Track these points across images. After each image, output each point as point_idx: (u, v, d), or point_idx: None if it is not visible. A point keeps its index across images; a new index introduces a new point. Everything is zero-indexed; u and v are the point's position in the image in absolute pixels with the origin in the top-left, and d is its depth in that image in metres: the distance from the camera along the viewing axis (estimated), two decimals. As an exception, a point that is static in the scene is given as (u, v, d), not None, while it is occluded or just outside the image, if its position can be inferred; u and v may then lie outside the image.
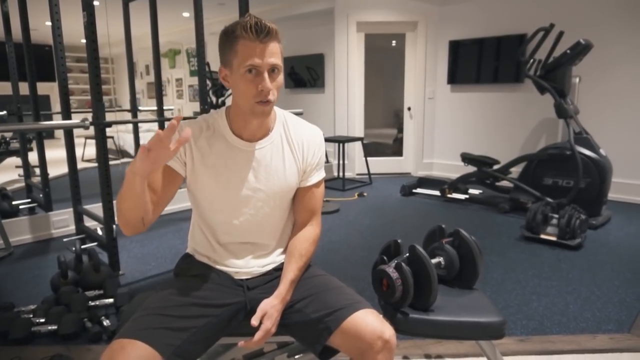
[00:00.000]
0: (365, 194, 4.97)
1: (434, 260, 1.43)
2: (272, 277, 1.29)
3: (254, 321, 1.13)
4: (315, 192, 1.32)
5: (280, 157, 1.25)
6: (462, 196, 4.57)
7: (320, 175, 1.33)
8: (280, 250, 1.33)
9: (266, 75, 1.11)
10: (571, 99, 3.99)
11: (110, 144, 5.84)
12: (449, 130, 5.83)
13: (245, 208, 1.24)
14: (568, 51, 3.71)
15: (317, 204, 1.33)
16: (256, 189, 1.23)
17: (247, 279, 1.27)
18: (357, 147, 5.86)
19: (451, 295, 1.43)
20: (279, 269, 1.29)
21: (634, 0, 4.21)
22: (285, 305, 1.20)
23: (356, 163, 5.99)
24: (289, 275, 1.22)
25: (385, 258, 1.41)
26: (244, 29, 1.09)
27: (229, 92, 1.25)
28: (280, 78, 1.16)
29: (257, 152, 1.23)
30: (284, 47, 1.18)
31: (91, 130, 2.64)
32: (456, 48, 5.53)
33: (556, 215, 3.30)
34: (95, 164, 2.71)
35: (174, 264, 1.35)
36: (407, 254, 1.37)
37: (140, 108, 4.83)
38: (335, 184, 5.37)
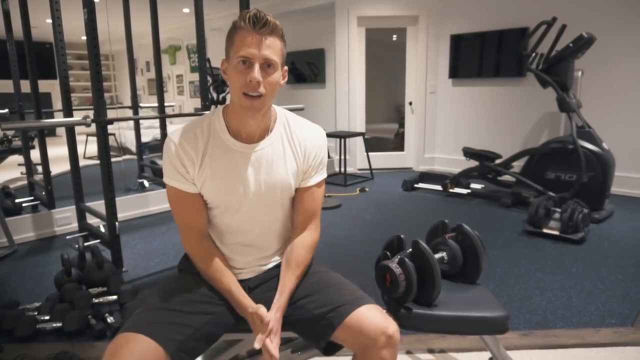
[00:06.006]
0: (367, 189, 4.97)
1: (437, 256, 1.43)
2: (273, 275, 1.28)
3: (257, 345, 1.08)
4: (315, 192, 1.30)
5: (281, 158, 1.23)
6: (464, 191, 4.56)
7: (322, 176, 1.31)
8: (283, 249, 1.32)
9: (257, 67, 1.09)
10: (573, 92, 3.97)
11: (111, 140, 5.84)
12: (450, 125, 5.81)
13: (249, 210, 1.23)
14: (570, 45, 3.69)
15: (317, 205, 1.31)
16: (258, 191, 1.22)
17: (248, 278, 1.27)
18: (359, 142, 5.85)
19: (454, 290, 1.43)
20: (280, 266, 1.28)
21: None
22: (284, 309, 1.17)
23: (357, 158, 5.98)
24: (289, 285, 1.19)
25: (388, 253, 1.41)
26: (242, 20, 1.09)
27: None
28: (276, 75, 1.13)
29: (257, 154, 1.21)
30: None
31: (93, 128, 2.64)
32: (458, 42, 5.50)
33: (559, 210, 3.29)
34: (97, 161, 2.71)
35: (177, 261, 1.35)
36: (411, 249, 1.37)
37: (141, 105, 4.82)
38: (337, 179, 5.37)
